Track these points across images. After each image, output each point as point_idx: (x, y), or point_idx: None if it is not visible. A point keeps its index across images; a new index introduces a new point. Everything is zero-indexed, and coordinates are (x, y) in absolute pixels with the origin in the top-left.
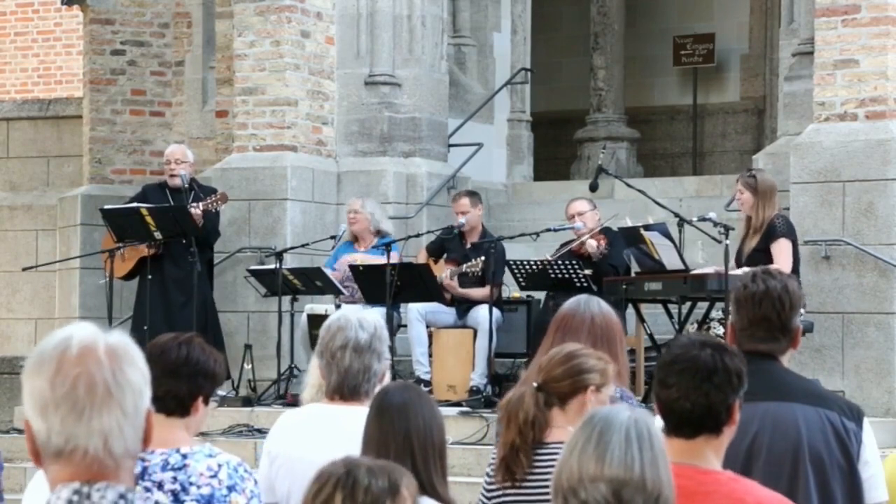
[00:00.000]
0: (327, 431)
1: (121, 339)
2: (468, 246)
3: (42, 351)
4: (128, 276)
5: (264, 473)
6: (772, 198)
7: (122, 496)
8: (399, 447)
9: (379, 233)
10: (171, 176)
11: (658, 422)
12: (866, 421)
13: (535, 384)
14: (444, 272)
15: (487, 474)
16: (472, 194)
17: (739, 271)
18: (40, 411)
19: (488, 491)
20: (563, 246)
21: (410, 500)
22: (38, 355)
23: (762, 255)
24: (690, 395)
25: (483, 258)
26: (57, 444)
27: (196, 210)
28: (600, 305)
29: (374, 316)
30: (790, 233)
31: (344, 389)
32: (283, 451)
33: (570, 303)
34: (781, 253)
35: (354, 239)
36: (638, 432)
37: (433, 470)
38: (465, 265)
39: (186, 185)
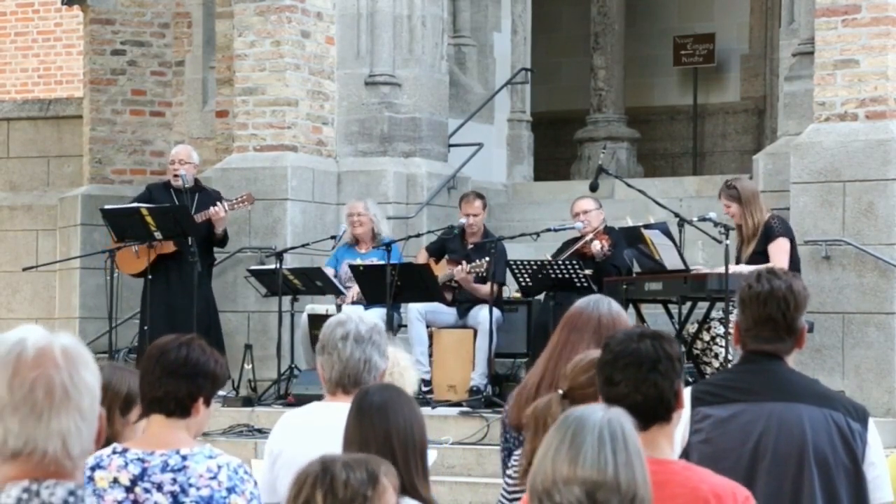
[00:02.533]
0: (329, 430)
1: (73, 341)
2: (469, 246)
3: None
4: (141, 274)
5: (266, 474)
6: (757, 202)
7: (71, 493)
8: (379, 447)
9: (377, 235)
10: (174, 176)
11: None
12: (871, 422)
13: (560, 391)
14: (449, 270)
15: (510, 476)
16: (481, 196)
17: (745, 269)
18: None
19: (510, 493)
20: (566, 245)
21: (391, 488)
22: None
23: (762, 257)
24: (640, 387)
25: (487, 259)
26: (15, 446)
27: (220, 211)
28: (610, 306)
29: (374, 317)
30: (787, 232)
31: (346, 380)
32: (284, 451)
33: (581, 301)
34: (778, 251)
35: (355, 241)
36: (611, 433)
37: (414, 470)
38: (470, 266)
39: (188, 186)
